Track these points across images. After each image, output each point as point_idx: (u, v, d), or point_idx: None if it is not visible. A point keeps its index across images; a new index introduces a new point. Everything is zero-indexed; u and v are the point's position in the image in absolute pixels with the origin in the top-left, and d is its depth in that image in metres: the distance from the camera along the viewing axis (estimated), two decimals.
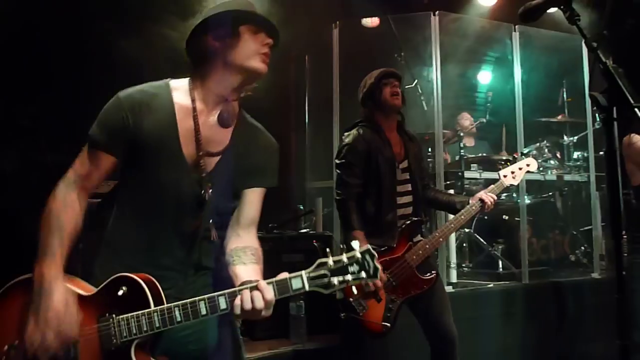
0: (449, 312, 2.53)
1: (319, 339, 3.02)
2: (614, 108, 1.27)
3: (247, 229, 1.60)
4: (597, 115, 3.95)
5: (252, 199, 1.61)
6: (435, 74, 3.65)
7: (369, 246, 1.34)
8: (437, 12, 3.71)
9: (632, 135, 2.56)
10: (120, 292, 1.37)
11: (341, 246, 2.75)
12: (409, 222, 2.51)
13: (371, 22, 4.52)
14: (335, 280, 1.30)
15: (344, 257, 1.31)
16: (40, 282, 1.35)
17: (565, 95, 5.00)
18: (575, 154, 4.73)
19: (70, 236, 1.42)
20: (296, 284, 1.33)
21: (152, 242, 1.50)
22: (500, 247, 4.20)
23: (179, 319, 1.34)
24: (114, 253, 1.51)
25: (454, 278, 3.69)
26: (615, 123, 1.33)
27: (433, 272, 2.51)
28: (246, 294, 1.32)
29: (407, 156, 2.61)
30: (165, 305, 1.36)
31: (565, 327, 3.73)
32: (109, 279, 1.40)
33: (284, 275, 1.34)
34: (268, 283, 1.34)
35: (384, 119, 2.61)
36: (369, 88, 2.59)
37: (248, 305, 1.31)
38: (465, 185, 4.13)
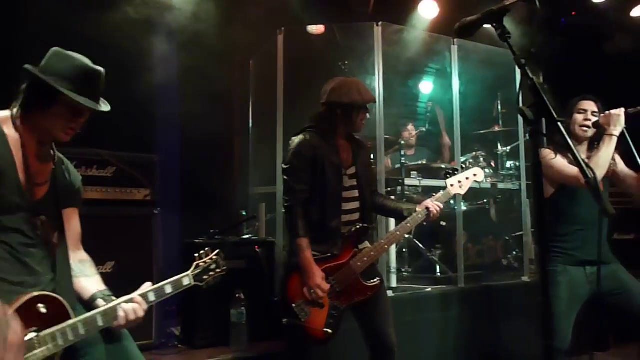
0: (391, 319, 2.56)
1: (261, 346, 3.00)
2: (541, 121, 1.35)
3: (76, 244, 1.83)
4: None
5: (73, 217, 1.83)
6: (377, 83, 3.73)
7: (218, 251, 1.98)
8: (380, 23, 3.80)
9: (542, 149, 2.69)
10: (42, 310, 1.49)
11: (284, 251, 2.75)
12: (355, 228, 2.52)
13: (316, 29, 4.56)
14: (206, 276, 1.90)
15: (209, 260, 1.92)
16: None
17: (499, 107, 5.25)
18: (508, 163, 4.95)
19: None
20: (186, 281, 1.83)
21: (14, 265, 1.57)
22: (438, 252, 4.33)
23: (101, 324, 1.58)
24: None
25: (394, 283, 3.77)
26: (544, 135, 1.43)
27: (377, 278, 2.53)
28: (126, 306, 1.65)
29: (354, 162, 2.61)
30: (88, 314, 1.58)
31: (498, 328, 3.90)
32: (25, 299, 1.48)
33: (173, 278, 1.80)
34: (149, 291, 1.72)
35: (340, 128, 2.58)
36: (350, 105, 2.51)
37: (131, 316, 1.63)
38: (406, 192, 4.24)
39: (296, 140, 2.56)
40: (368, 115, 2.64)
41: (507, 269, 4.66)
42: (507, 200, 5.04)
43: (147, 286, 1.75)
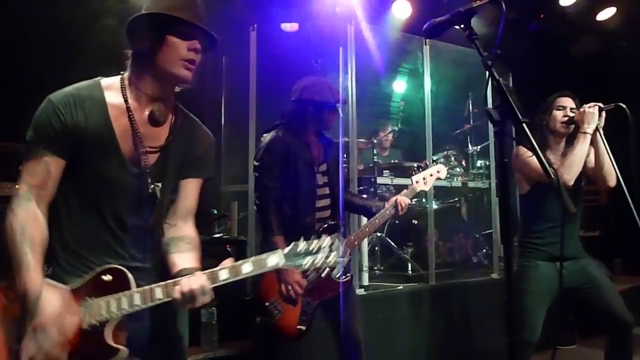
0: (358, 315, 2.59)
1: (231, 346, 2.97)
2: (506, 122, 1.37)
3: (184, 219, 1.67)
4: None
5: (190, 190, 1.68)
6: (350, 81, 3.74)
7: (336, 239, 1.56)
8: (353, 22, 3.81)
9: (520, 147, 2.73)
10: (105, 279, 1.45)
11: (257, 251, 2.74)
12: (326, 225, 2.54)
13: (290, 27, 4.54)
14: (306, 260, 1.53)
15: (314, 244, 1.54)
16: (27, 298, 1.35)
17: (470, 107, 5.33)
18: (479, 162, 5.04)
19: (41, 246, 1.42)
20: (272, 260, 1.52)
21: (106, 239, 1.52)
22: (409, 250, 4.38)
23: (159, 296, 1.44)
24: (71, 253, 1.50)
25: (366, 281, 3.79)
26: (511, 137, 1.45)
27: (348, 274, 2.57)
28: (184, 280, 1.45)
29: (325, 160, 2.63)
30: (148, 286, 1.46)
31: (468, 324, 3.96)
32: (96, 271, 1.46)
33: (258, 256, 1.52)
34: (222, 269, 1.50)
35: (310, 126, 2.59)
36: (322, 104, 2.53)
37: (185, 288, 1.43)
38: (378, 191, 4.27)
39: (267, 136, 2.55)
40: (341, 113, 2.66)
41: (477, 266, 4.74)
42: (478, 199, 5.13)
43: (226, 262, 1.54)
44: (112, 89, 1.55)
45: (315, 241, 1.55)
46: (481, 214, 5.02)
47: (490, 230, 4.70)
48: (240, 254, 3.34)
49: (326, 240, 1.54)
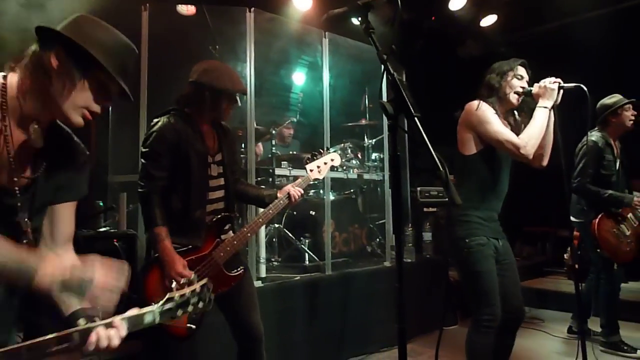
0: (257, 309, 2.53)
1: (118, 348, 2.78)
2: (400, 116, 1.41)
3: (65, 246, 1.50)
4: None
5: (66, 214, 1.50)
6: (249, 70, 3.66)
7: (206, 281, 1.49)
8: (252, 9, 3.72)
9: (480, 101, 2.55)
10: None
11: (146, 245, 2.57)
12: (215, 218, 2.44)
13: (187, 9, 4.32)
14: (180, 312, 1.42)
15: (188, 292, 1.43)
16: None
17: (367, 101, 5.50)
18: (374, 155, 5.23)
19: None
20: (148, 318, 1.37)
21: None
22: (307, 241, 4.42)
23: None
24: None
25: (263, 273, 3.76)
26: (403, 130, 1.50)
27: (241, 268, 2.48)
28: (102, 331, 1.27)
29: (220, 149, 2.52)
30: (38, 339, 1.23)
31: (362, 311, 4.10)
32: None
33: (135, 311, 1.35)
34: (122, 319, 1.32)
35: (205, 113, 2.46)
36: (220, 91, 2.40)
37: (104, 343, 1.27)
38: (276, 182, 4.25)
39: (159, 122, 2.39)
40: (239, 103, 2.57)
41: (371, 255, 4.92)
42: (372, 190, 5.32)
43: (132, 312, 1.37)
44: None
45: (187, 289, 1.45)
46: (375, 205, 5.22)
47: (383, 221, 4.89)
48: (130, 250, 3.13)
49: (197, 286, 1.47)
